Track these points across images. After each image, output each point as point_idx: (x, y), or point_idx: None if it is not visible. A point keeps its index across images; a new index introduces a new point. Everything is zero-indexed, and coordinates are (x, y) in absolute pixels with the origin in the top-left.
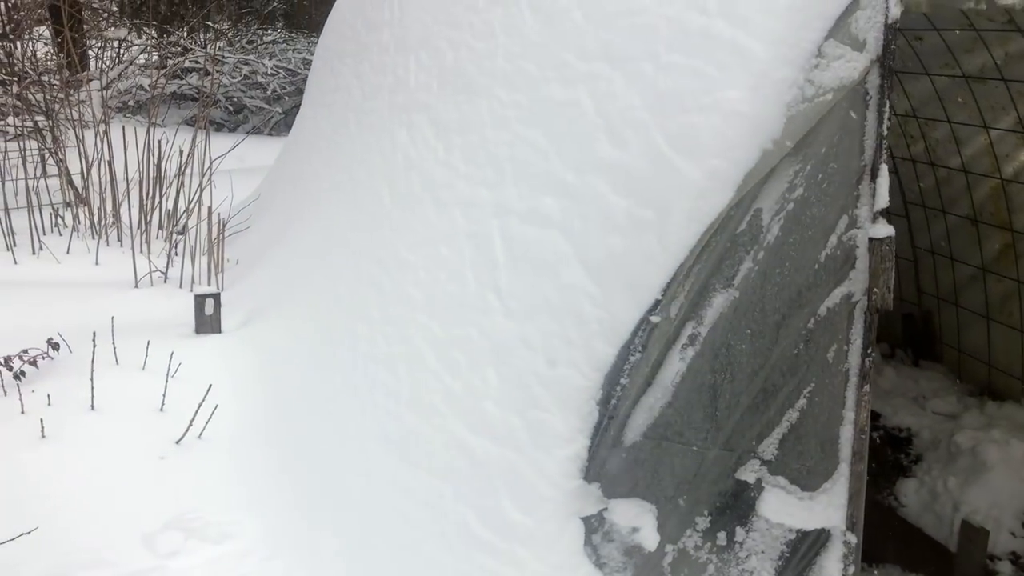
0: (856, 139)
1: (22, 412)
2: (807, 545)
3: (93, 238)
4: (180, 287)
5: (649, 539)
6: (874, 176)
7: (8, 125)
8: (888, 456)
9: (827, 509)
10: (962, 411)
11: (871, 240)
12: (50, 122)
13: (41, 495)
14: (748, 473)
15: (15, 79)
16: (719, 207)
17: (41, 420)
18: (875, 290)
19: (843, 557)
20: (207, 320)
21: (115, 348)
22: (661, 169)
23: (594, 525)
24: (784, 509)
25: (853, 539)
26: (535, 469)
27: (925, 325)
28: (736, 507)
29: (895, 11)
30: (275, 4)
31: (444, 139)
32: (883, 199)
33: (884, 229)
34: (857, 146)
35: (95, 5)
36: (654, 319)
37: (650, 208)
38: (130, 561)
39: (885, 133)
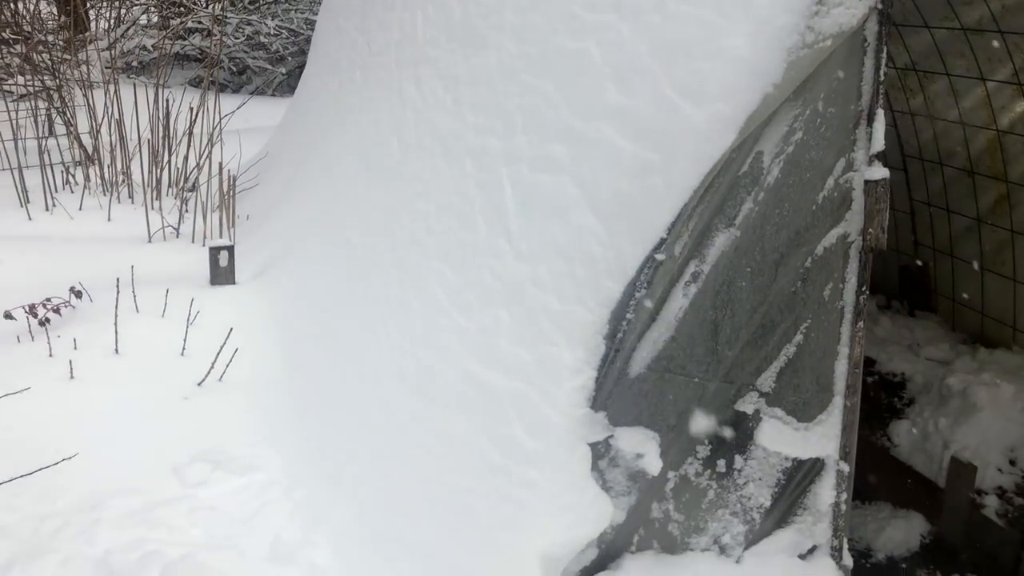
0: (854, 85)
1: (50, 355)
2: (802, 473)
3: (105, 195)
4: (192, 242)
5: (652, 465)
6: (871, 121)
7: (15, 84)
8: (882, 399)
9: (821, 440)
10: (954, 357)
11: (867, 182)
12: (57, 81)
13: (73, 431)
14: (747, 404)
15: (20, 39)
16: (722, 149)
17: (70, 361)
18: (870, 230)
19: (836, 484)
20: (222, 272)
21: (135, 297)
22: (667, 114)
23: (600, 451)
24: (781, 439)
25: (846, 468)
26: (545, 399)
27: (921, 277)
28: (735, 436)
29: None
30: None
31: (453, 91)
32: (879, 143)
33: (879, 171)
34: (855, 91)
35: None
36: (659, 257)
37: (656, 151)
38: (160, 490)
39: (882, 79)
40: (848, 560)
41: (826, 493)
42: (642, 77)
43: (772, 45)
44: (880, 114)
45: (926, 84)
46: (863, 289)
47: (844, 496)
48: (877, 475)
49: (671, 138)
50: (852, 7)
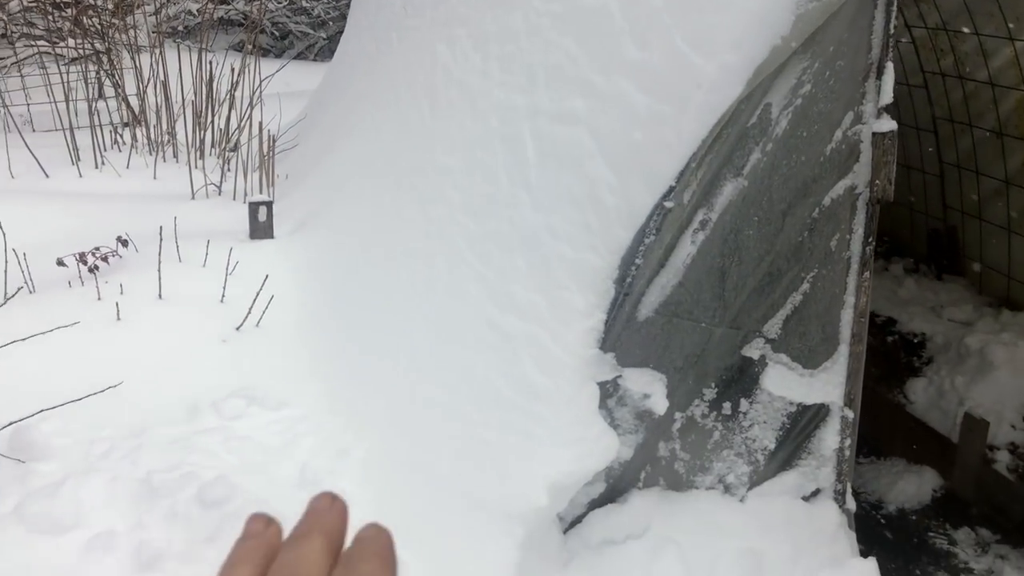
0: (864, 38)
1: (99, 299)
2: (807, 418)
3: (150, 154)
4: (233, 199)
5: (659, 405)
6: (880, 74)
7: (67, 48)
8: (901, 358)
9: (826, 386)
10: (977, 319)
11: (874, 134)
12: (106, 45)
13: (119, 366)
14: (753, 350)
15: (72, 3)
16: (730, 100)
17: (116, 304)
18: (877, 182)
19: (841, 430)
20: (261, 226)
21: (178, 248)
22: (679, 66)
23: (609, 390)
24: (785, 384)
25: (850, 414)
26: (556, 340)
27: (950, 240)
28: (741, 381)
29: None
30: None
31: (482, 50)
32: (887, 95)
33: (887, 124)
34: (864, 44)
35: None
36: (668, 205)
37: (668, 103)
38: (198, 421)
39: (892, 32)
40: (851, 504)
41: (830, 438)
42: (657, 31)
43: None
44: (890, 67)
45: (956, 44)
46: (870, 240)
47: (848, 442)
48: (892, 431)
49: (682, 90)
50: None
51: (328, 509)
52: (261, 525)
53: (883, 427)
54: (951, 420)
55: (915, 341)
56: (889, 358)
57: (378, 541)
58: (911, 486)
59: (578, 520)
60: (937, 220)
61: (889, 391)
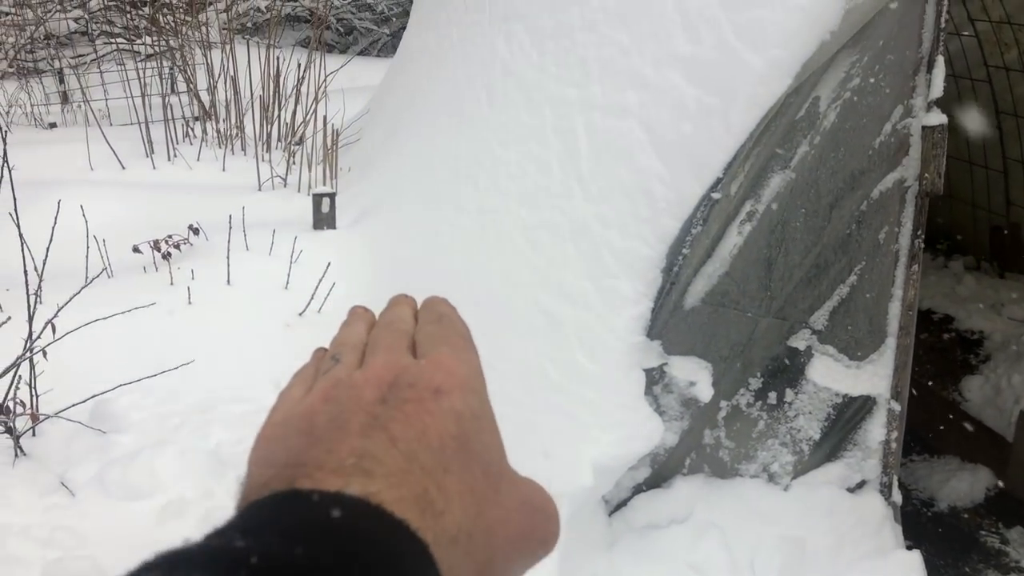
0: (914, 32)
1: (171, 284)
2: (853, 410)
3: (220, 147)
4: (298, 191)
5: (704, 392)
6: (930, 68)
7: (143, 44)
8: (957, 356)
9: (873, 378)
10: None
11: (924, 128)
12: (179, 42)
13: (191, 346)
14: (799, 341)
15: (147, 1)
16: (778, 93)
17: (188, 288)
18: (926, 175)
19: (887, 423)
20: (323, 217)
21: (245, 237)
22: (729, 59)
23: (655, 377)
24: (831, 375)
25: (897, 407)
26: (604, 326)
27: (1013, 237)
28: (787, 371)
29: None
30: None
31: (538, 45)
32: (938, 89)
33: (937, 117)
34: (915, 39)
35: None
36: (715, 196)
37: (717, 96)
38: (263, 399)
39: (943, 26)
40: (897, 497)
41: (876, 430)
42: (708, 25)
43: None
44: (940, 61)
45: (1021, 38)
46: (919, 233)
47: (895, 435)
48: (946, 429)
49: (731, 83)
50: None
51: (404, 296)
52: (362, 309)
53: (937, 424)
54: (1007, 419)
55: (972, 339)
56: (945, 355)
57: (440, 299)
58: (964, 484)
59: (623, 504)
60: (1000, 217)
61: (944, 388)
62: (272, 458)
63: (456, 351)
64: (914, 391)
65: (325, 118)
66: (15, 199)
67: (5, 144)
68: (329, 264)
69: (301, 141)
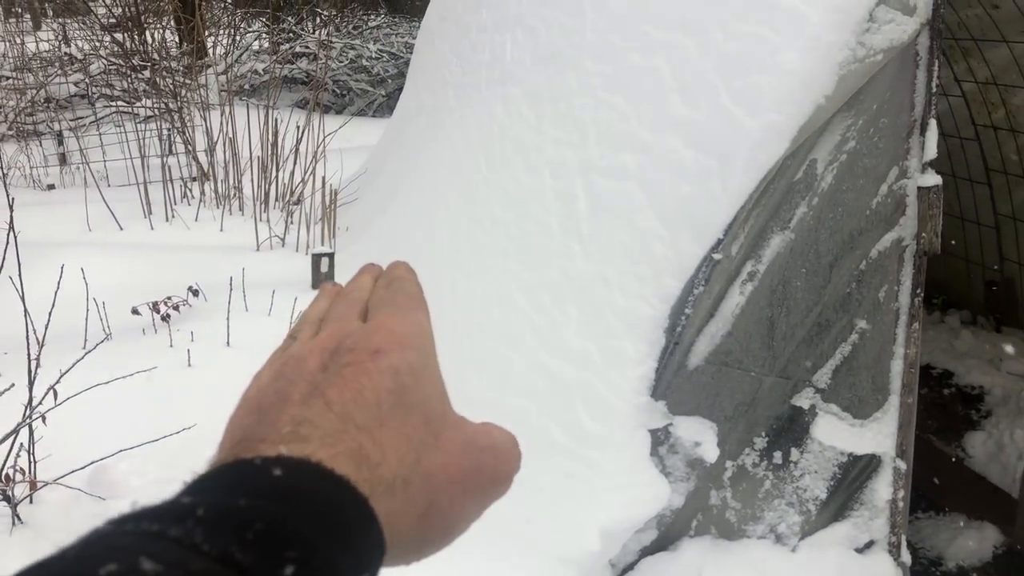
0: (906, 96)
1: (170, 346)
2: (859, 468)
3: (218, 207)
4: (296, 251)
5: (710, 453)
6: (923, 130)
7: (142, 107)
8: (958, 411)
9: (877, 436)
10: None
11: (920, 189)
12: (178, 104)
13: (190, 410)
14: (803, 400)
15: (147, 65)
16: (776, 156)
17: (188, 351)
18: (923, 235)
19: (893, 481)
20: (323, 277)
21: (245, 297)
22: (726, 123)
23: (660, 438)
24: (836, 434)
25: (903, 465)
26: (608, 387)
27: (1007, 292)
28: (791, 430)
29: None
30: None
31: (535, 108)
32: (931, 151)
33: (932, 178)
34: (907, 102)
35: None
36: (716, 256)
37: (715, 158)
38: None
39: (934, 90)
40: (907, 557)
41: (883, 489)
42: (705, 90)
43: (824, 60)
44: (933, 124)
45: (1007, 97)
46: (918, 292)
47: (902, 493)
48: (950, 486)
49: (728, 146)
50: (903, 23)
51: (371, 265)
52: (331, 285)
53: (941, 481)
54: (1011, 475)
55: (973, 394)
56: (946, 411)
57: (400, 263)
58: (971, 542)
59: (630, 567)
60: (994, 272)
61: (947, 444)
62: (224, 442)
63: (400, 311)
64: (917, 448)
65: (324, 178)
66: (19, 263)
67: (12, 210)
68: None
69: (299, 201)
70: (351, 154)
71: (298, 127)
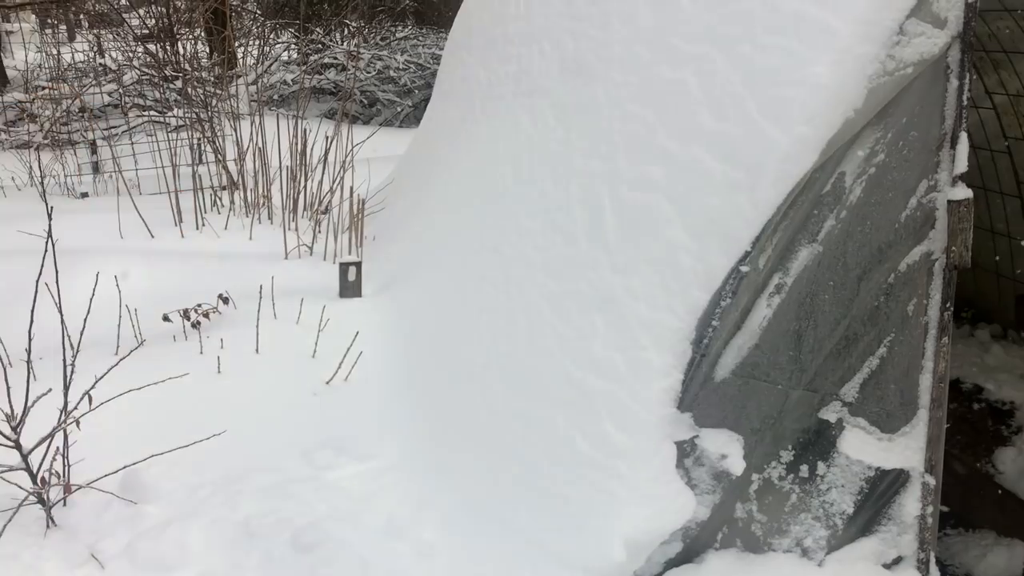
0: (937, 109)
1: (201, 353)
2: (886, 483)
3: (247, 216)
4: (324, 259)
5: (736, 466)
6: (954, 143)
7: (173, 116)
8: (988, 427)
9: (906, 451)
10: None
11: (950, 202)
12: (208, 114)
13: (220, 415)
14: (830, 413)
15: (179, 75)
16: (804, 169)
17: (218, 358)
18: (953, 248)
19: (922, 497)
20: (350, 285)
21: (273, 305)
22: (754, 136)
23: (686, 450)
24: (864, 448)
25: (932, 481)
26: (634, 398)
27: None
28: (818, 443)
29: None
30: (406, 2)
31: (563, 120)
32: (962, 164)
33: (962, 192)
34: (938, 115)
35: (242, 7)
36: (744, 269)
37: (743, 171)
38: (292, 469)
39: (965, 103)
40: (935, 574)
41: (911, 504)
42: (733, 103)
43: (853, 73)
44: (963, 137)
45: None
46: (948, 305)
47: (930, 509)
48: (980, 502)
49: (757, 158)
50: (933, 36)
51: None
52: None
53: (971, 498)
54: None
55: (1004, 409)
56: (976, 426)
57: None
58: (1001, 559)
59: None
60: None
61: (976, 460)
62: None
63: None
64: (946, 463)
65: (351, 187)
66: (57, 271)
67: (51, 219)
68: (357, 334)
69: (327, 210)
70: (378, 164)
71: (327, 137)
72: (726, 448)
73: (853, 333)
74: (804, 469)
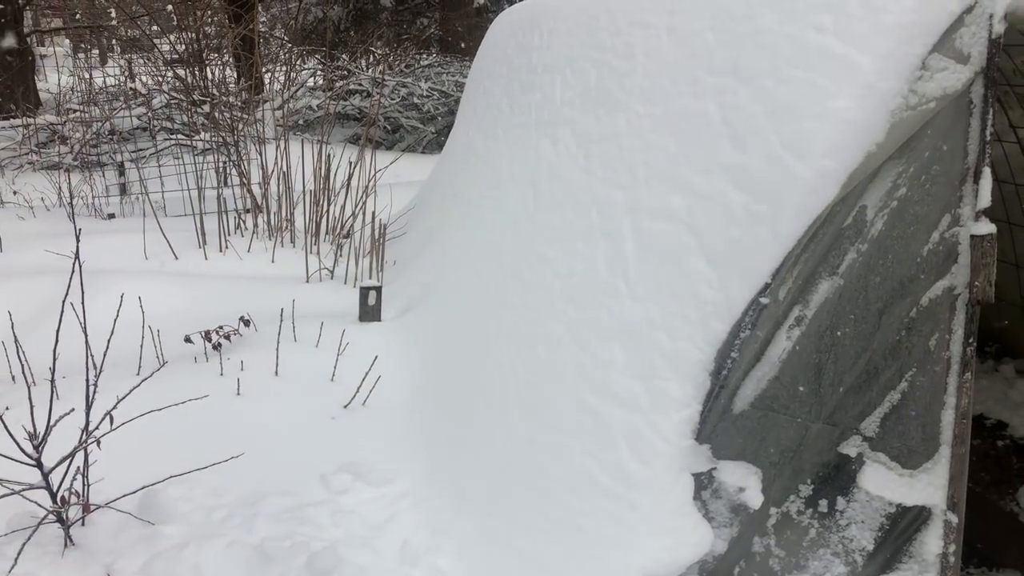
0: (959, 144)
1: (221, 374)
2: (907, 520)
3: (270, 239)
4: (345, 283)
5: (754, 499)
6: (977, 178)
7: (200, 139)
8: (1013, 464)
9: (927, 488)
10: None
11: (973, 237)
12: (235, 138)
13: (239, 438)
14: (850, 447)
15: (206, 99)
16: (826, 202)
17: (238, 380)
18: (976, 284)
19: (944, 535)
20: (370, 310)
21: (294, 328)
22: (776, 169)
23: (704, 482)
24: (884, 484)
25: (954, 519)
26: (653, 428)
27: None
28: (838, 478)
29: (999, 28)
30: (431, 31)
31: (584, 148)
32: (985, 199)
33: (986, 227)
34: (960, 150)
35: (270, 34)
36: (764, 300)
37: (765, 203)
38: (309, 493)
39: (988, 139)
40: None
41: (933, 542)
42: (755, 135)
43: (876, 107)
44: (987, 172)
45: None
46: (970, 341)
47: (953, 548)
48: (1005, 541)
49: (779, 191)
50: (957, 72)
51: None
52: None
53: (995, 536)
54: None
55: None
56: (1000, 463)
57: None
58: None
59: None
60: None
61: (1001, 498)
62: None
63: None
64: (969, 500)
65: (373, 212)
66: (83, 292)
67: (79, 240)
68: (376, 358)
69: (349, 234)
70: (401, 189)
71: (350, 162)
72: (744, 481)
73: (874, 367)
74: (823, 504)
